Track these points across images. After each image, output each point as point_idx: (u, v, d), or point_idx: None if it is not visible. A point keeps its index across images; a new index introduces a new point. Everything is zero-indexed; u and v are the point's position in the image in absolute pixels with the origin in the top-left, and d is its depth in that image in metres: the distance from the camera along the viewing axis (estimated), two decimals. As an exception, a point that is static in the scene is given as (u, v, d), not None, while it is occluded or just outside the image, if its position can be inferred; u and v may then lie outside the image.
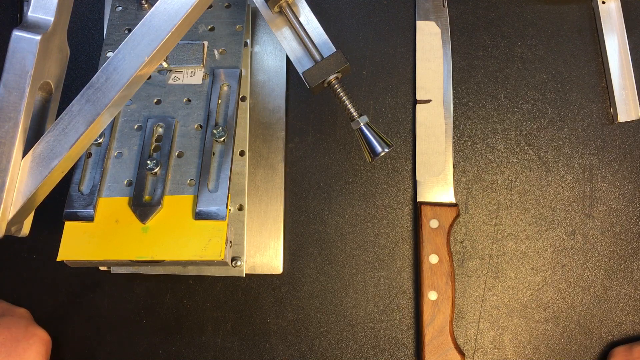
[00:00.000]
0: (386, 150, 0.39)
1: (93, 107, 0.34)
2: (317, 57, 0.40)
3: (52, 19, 0.36)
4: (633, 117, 0.52)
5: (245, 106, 0.52)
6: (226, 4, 0.51)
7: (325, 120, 0.54)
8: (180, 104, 0.47)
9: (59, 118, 0.35)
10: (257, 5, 0.41)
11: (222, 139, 0.45)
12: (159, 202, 0.43)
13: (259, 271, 0.50)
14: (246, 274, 0.50)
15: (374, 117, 0.54)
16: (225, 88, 0.48)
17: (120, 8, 0.51)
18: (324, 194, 0.52)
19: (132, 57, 0.34)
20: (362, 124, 0.39)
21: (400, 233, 0.51)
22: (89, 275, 0.51)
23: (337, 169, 0.53)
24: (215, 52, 0.49)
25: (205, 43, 0.50)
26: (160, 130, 0.46)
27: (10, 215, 0.35)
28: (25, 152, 0.35)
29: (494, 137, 0.53)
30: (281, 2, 0.39)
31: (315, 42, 0.40)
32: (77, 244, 0.42)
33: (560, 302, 0.49)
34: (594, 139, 0.53)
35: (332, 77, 0.39)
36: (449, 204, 0.50)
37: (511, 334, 0.49)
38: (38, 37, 0.34)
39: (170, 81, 0.48)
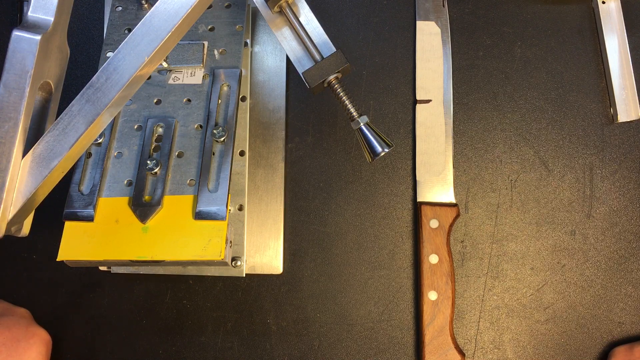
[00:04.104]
0: (386, 150, 0.39)
1: (93, 107, 0.34)
2: (317, 57, 0.40)
3: (52, 19, 0.36)
4: (633, 117, 0.52)
5: (245, 106, 0.52)
6: (226, 4, 0.51)
7: (325, 120, 0.54)
8: (180, 104, 0.47)
9: (59, 118, 0.35)
10: (257, 5, 0.41)
11: (222, 139, 0.45)
12: (159, 202, 0.43)
13: (259, 271, 0.50)
14: (246, 274, 0.50)
15: (374, 117, 0.54)
16: (225, 88, 0.48)
17: (120, 8, 0.51)
18: (324, 194, 0.52)
19: (132, 57, 0.34)
20: (362, 124, 0.39)
21: (400, 233, 0.51)
22: (89, 275, 0.51)
23: (337, 169, 0.53)
24: (215, 52, 0.49)
25: (205, 43, 0.50)
26: (160, 130, 0.46)
27: (10, 215, 0.35)
28: (25, 152, 0.35)
29: (494, 137, 0.53)
30: (281, 2, 0.39)
31: (315, 42, 0.40)
32: (77, 244, 0.42)
33: (560, 302, 0.49)
34: (594, 139, 0.53)
35: (332, 77, 0.39)
36: (449, 204, 0.50)
37: (511, 334, 0.49)
38: (38, 37, 0.34)
39: (170, 81, 0.48)
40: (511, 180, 0.52)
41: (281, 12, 0.40)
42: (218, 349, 0.49)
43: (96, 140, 0.46)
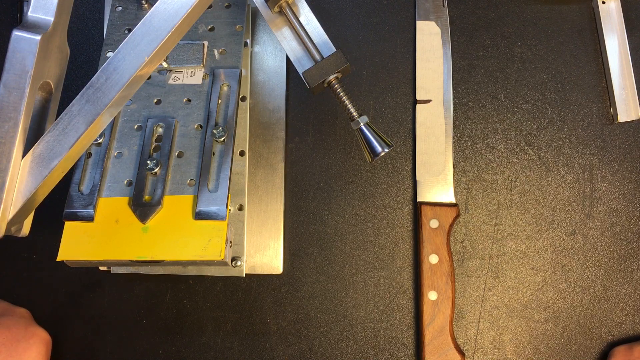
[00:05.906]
0: (386, 150, 0.39)
1: (93, 107, 0.34)
2: (317, 57, 0.40)
3: (52, 19, 0.36)
4: (633, 117, 0.52)
5: (245, 106, 0.52)
6: (226, 4, 0.51)
7: (325, 120, 0.54)
8: (180, 104, 0.47)
9: (59, 118, 0.35)
10: (257, 5, 0.41)
11: (222, 139, 0.45)
12: (159, 202, 0.43)
13: (259, 271, 0.50)
14: (246, 274, 0.50)
15: (374, 117, 0.54)
16: (225, 88, 0.48)
17: (120, 8, 0.51)
18: (324, 194, 0.52)
19: (132, 57, 0.34)
20: (362, 124, 0.39)
21: (400, 233, 0.51)
22: (89, 275, 0.51)
23: (337, 169, 0.53)
24: (215, 52, 0.49)
25: (205, 43, 0.50)
26: (160, 130, 0.46)
27: (10, 215, 0.35)
28: (25, 152, 0.35)
29: (494, 137, 0.53)
30: (281, 2, 0.39)
31: (315, 42, 0.40)
32: (77, 244, 0.42)
33: (560, 302, 0.49)
34: (594, 139, 0.53)
35: (332, 77, 0.39)
36: (449, 204, 0.50)
37: (511, 334, 0.49)
38: (38, 37, 0.34)
39: (170, 81, 0.48)
40: (511, 180, 0.52)
41: (281, 12, 0.40)
42: (218, 349, 0.49)
43: (96, 140, 0.46)
